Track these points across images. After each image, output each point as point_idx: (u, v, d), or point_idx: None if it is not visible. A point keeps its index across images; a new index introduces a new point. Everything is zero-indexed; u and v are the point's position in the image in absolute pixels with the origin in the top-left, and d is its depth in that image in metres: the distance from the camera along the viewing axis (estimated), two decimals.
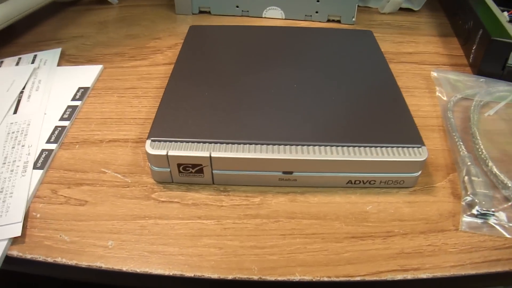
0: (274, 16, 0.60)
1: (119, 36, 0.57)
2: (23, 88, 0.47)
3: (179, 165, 0.34)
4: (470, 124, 0.41)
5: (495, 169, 0.36)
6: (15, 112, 0.44)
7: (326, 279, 0.29)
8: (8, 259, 0.31)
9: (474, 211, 0.33)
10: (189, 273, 0.30)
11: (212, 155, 0.33)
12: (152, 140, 0.34)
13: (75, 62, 0.52)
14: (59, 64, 0.51)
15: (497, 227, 0.33)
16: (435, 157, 0.39)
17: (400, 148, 0.34)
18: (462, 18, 0.56)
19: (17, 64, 0.52)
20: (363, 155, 0.33)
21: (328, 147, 0.34)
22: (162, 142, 0.34)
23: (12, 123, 0.42)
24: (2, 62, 0.52)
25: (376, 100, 0.39)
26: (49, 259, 0.31)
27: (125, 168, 0.37)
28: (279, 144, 0.34)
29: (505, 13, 0.53)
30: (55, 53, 0.53)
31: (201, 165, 0.34)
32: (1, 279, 0.33)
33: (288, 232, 0.32)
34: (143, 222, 0.33)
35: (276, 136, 0.34)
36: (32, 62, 0.52)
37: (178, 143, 0.34)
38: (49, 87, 0.47)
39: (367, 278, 0.29)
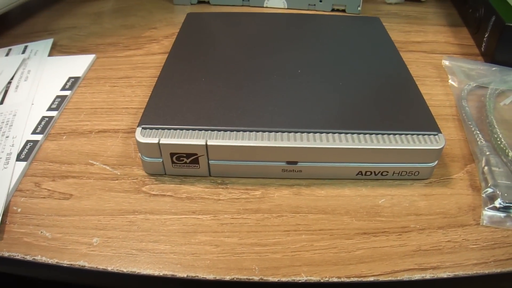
0: (276, 5, 0.56)
1: (114, 27, 0.53)
2: (11, 79, 0.44)
3: (172, 154, 0.30)
4: (487, 113, 0.38)
5: None
6: (1, 102, 0.41)
7: (335, 279, 0.26)
8: None
9: (496, 204, 0.30)
10: (181, 274, 0.26)
11: (208, 143, 0.29)
12: (143, 128, 0.30)
13: (67, 52, 0.48)
14: (50, 55, 0.48)
15: None
16: (450, 147, 0.35)
17: (415, 136, 0.30)
18: (472, 7, 0.53)
19: (7, 55, 0.48)
20: (375, 142, 0.30)
21: (336, 135, 0.30)
22: (154, 130, 0.30)
23: None
24: None
25: (387, 86, 0.35)
26: (28, 257, 0.27)
27: (114, 159, 0.34)
28: (282, 131, 0.30)
29: None
30: (47, 43, 0.50)
31: (197, 154, 0.30)
32: None
33: (292, 228, 0.29)
34: (132, 217, 0.29)
35: (279, 122, 0.31)
36: (23, 53, 0.48)
37: (172, 130, 0.30)
38: (38, 77, 0.44)
39: (382, 279, 0.26)
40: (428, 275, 0.26)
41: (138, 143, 0.30)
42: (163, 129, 0.30)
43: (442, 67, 0.45)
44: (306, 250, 0.27)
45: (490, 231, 0.29)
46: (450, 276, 0.26)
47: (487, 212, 0.30)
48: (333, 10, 0.56)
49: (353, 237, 0.28)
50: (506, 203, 0.30)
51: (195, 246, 0.27)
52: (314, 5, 0.56)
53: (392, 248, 0.27)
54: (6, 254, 0.28)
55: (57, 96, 0.41)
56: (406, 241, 0.28)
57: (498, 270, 0.27)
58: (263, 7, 0.57)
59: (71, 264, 0.27)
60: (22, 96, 0.41)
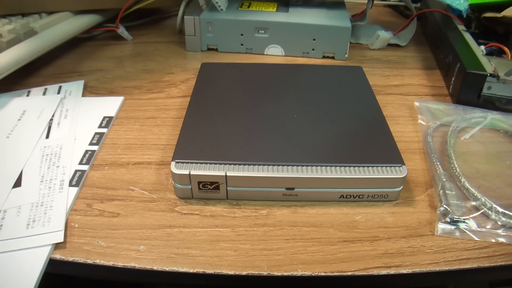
0: (275, 53, 0.68)
1: (136, 70, 0.65)
2: (52, 116, 0.54)
3: (199, 182, 0.41)
4: (447, 147, 0.49)
5: (467, 184, 0.43)
6: (47, 137, 0.51)
7: (323, 274, 0.36)
8: (52, 261, 0.37)
9: (448, 219, 0.40)
10: (210, 270, 0.37)
11: (227, 174, 0.40)
12: (176, 162, 0.41)
13: (97, 93, 0.59)
14: (82, 95, 0.58)
15: (468, 232, 0.40)
16: (415, 175, 0.46)
17: (384, 167, 0.41)
18: (443, 52, 0.64)
19: (44, 94, 0.59)
20: (353, 173, 0.41)
21: (323, 167, 0.41)
22: (185, 163, 0.41)
23: (45, 147, 0.49)
24: (29, 91, 0.59)
25: (364, 127, 0.47)
26: (89, 261, 0.37)
27: (150, 186, 0.45)
28: (283, 165, 0.41)
29: (482, 47, 0.61)
30: (79, 84, 0.61)
31: (218, 182, 0.41)
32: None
33: (291, 237, 0.39)
34: (169, 230, 0.40)
35: (280, 158, 0.42)
36: (58, 93, 0.59)
37: (199, 164, 0.41)
38: (76, 115, 0.54)
39: (357, 273, 0.36)
40: (392, 271, 0.36)
41: (173, 174, 0.41)
42: (192, 163, 0.41)
43: (414, 108, 0.57)
44: (301, 253, 0.38)
45: (443, 239, 0.39)
46: (409, 272, 0.37)
47: (441, 225, 0.40)
48: (324, 57, 0.68)
49: (336, 244, 0.39)
50: (456, 218, 0.40)
51: (219, 251, 0.38)
52: (308, 52, 0.68)
53: (365, 252, 0.38)
54: (70, 259, 0.37)
55: (96, 133, 0.51)
56: (376, 246, 0.38)
57: (447, 268, 0.37)
58: (263, 54, 0.69)
59: (124, 266, 0.37)
60: (64, 132, 0.51)
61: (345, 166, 0.41)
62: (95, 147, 0.50)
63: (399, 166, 0.42)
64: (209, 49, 0.70)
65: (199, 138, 0.44)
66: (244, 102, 0.50)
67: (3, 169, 0.46)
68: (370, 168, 0.41)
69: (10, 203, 0.42)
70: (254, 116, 0.48)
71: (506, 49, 0.62)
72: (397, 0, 0.90)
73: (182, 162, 0.41)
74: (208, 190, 0.42)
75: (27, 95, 0.59)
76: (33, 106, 0.56)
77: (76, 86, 0.61)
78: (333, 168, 0.41)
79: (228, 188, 0.42)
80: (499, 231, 0.40)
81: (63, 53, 0.70)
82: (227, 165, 0.41)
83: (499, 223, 0.41)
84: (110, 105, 0.57)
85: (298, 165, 0.41)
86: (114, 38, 0.74)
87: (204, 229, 0.40)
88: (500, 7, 0.65)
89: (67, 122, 0.54)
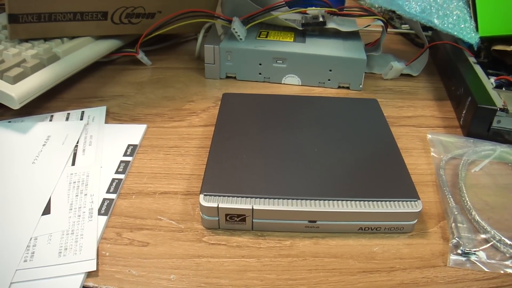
0: (292, 82, 0.73)
1: (157, 97, 0.68)
2: (77, 142, 0.58)
3: (226, 215, 0.45)
4: (458, 180, 0.53)
5: (477, 217, 0.47)
6: (73, 164, 0.54)
7: None
8: None
9: (459, 251, 0.44)
10: None
11: (254, 208, 0.44)
12: (205, 195, 0.45)
13: (119, 120, 0.63)
14: (105, 121, 0.62)
15: (478, 263, 0.43)
16: (429, 208, 0.50)
17: (400, 202, 0.45)
18: (454, 85, 0.68)
19: (67, 119, 0.62)
20: (371, 207, 0.45)
21: (343, 201, 0.45)
22: (213, 196, 0.45)
23: (72, 174, 0.52)
24: (52, 116, 0.63)
25: (381, 162, 0.51)
26: None
27: (177, 216, 0.48)
28: (306, 199, 0.45)
29: (492, 79, 0.65)
30: (101, 110, 0.64)
31: (245, 215, 0.45)
32: None
33: (313, 268, 0.43)
34: (198, 260, 0.43)
35: (303, 192, 0.46)
36: (81, 118, 0.62)
37: (226, 197, 0.45)
38: (101, 142, 0.58)
39: None
40: None
41: (201, 206, 0.45)
42: (220, 196, 0.45)
43: (427, 140, 0.61)
44: (323, 283, 0.42)
45: (454, 270, 0.43)
46: None
47: (453, 257, 0.44)
48: (339, 87, 0.72)
49: (355, 274, 0.42)
50: (467, 250, 0.44)
51: (246, 280, 0.42)
52: (324, 83, 0.72)
53: (382, 282, 0.42)
54: (103, 287, 0.41)
55: (121, 161, 0.55)
56: (392, 277, 0.42)
57: None
58: (281, 83, 0.73)
59: None
60: (90, 159, 0.55)
61: (364, 201, 0.46)
62: (121, 176, 0.53)
63: (415, 201, 0.46)
64: (227, 77, 0.74)
65: (225, 171, 0.48)
66: (266, 135, 0.54)
67: (31, 195, 0.50)
68: (387, 202, 0.46)
69: (40, 230, 0.45)
70: (276, 149, 0.52)
71: None
72: (408, 28, 0.94)
73: (211, 195, 0.45)
74: (234, 221, 0.46)
75: (50, 120, 0.63)
76: (57, 132, 0.60)
77: (99, 112, 0.64)
78: (352, 202, 0.45)
79: (253, 220, 0.46)
80: (508, 263, 0.44)
81: (84, 77, 0.73)
82: (254, 199, 0.45)
83: (507, 255, 0.45)
84: (134, 132, 0.60)
85: (319, 199, 0.45)
86: (133, 63, 0.78)
87: (231, 259, 0.44)
88: (510, 40, 0.69)
89: (92, 149, 0.57)
